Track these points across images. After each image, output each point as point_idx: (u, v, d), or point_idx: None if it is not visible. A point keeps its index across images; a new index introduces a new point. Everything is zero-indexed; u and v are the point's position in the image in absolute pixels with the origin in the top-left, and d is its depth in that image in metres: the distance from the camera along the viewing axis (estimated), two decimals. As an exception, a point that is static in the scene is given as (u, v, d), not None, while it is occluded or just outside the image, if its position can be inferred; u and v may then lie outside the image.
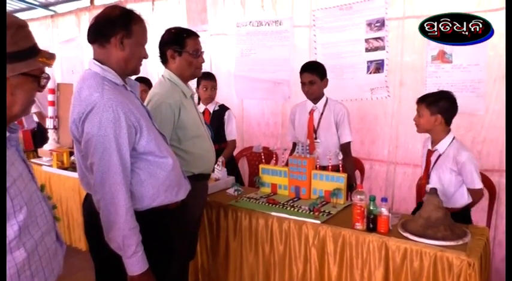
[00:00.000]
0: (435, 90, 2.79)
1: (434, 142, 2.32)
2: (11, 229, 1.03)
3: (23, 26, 1.08)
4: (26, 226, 1.07)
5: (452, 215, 2.15)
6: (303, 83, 2.83)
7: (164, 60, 2.13)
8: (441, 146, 2.28)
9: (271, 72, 3.88)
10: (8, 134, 1.07)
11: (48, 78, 1.15)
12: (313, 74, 2.78)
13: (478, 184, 2.23)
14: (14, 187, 1.03)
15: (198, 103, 3.41)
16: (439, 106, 2.22)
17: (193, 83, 3.44)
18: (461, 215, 2.24)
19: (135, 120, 1.48)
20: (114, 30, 1.51)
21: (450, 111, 2.25)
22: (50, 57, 1.15)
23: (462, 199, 2.28)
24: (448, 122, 2.26)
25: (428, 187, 2.19)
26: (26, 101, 1.10)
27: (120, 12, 1.54)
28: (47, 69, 1.21)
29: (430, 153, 2.34)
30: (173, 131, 2.01)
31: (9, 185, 1.02)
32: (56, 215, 1.30)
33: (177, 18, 4.27)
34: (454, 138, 2.28)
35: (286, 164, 2.67)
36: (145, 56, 1.64)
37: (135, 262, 1.45)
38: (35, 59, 1.08)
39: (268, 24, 3.83)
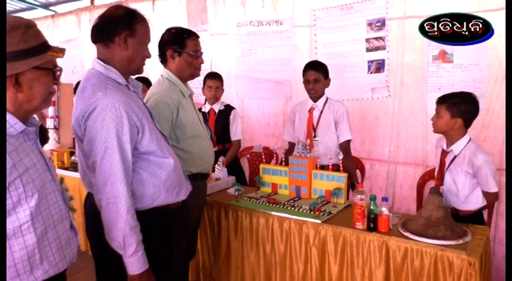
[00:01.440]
0: (436, 90, 2.79)
1: (449, 143, 2.25)
2: (23, 213, 1.13)
3: (31, 25, 1.19)
4: (38, 212, 1.16)
5: (465, 218, 2.15)
6: (307, 81, 2.83)
7: (164, 60, 2.13)
8: (457, 148, 2.20)
9: (272, 72, 3.88)
10: (24, 127, 1.17)
11: (61, 70, 1.26)
12: (319, 72, 2.79)
13: (494, 187, 2.15)
14: (26, 174, 1.13)
15: (204, 103, 3.41)
16: (461, 109, 2.14)
17: (197, 83, 3.45)
18: (475, 218, 2.20)
19: (137, 120, 1.48)
20: (117, 30, 1.52)
21: (471, 115, 2.17)
22: (60, 51, 1.25)
23: (477, 202, 2.21)
24: (467, 125, 2.19)
25: (442, 188, 2.17)
26: (45, 93, 1.21)
27: (123, 12, 1.55)
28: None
29: (445, 154, 2.27)
30: (171, 131, 2.01)
31: (22, 173, 1.11)
32: (72, 206, 1.38)
33: (178, 18, 4.28)
34: (470, 139, 2.21)
35: (281, 163, 2.67)
36: (149, 56, 1.65)
37: (136, 261, 1.46)
38: (46, 53, 1.19)
39: (269, 24, 3.83)
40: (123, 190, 1.43)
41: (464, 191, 2.20)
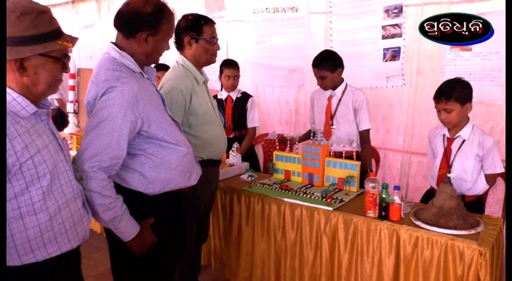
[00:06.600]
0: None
1: (453, 130, 2.28)
2: (35, 193, 1.17)
3: (44, 11, 1.19)
4: (51, 191, 1.21)
5: (470, 204, 2.16)
6: (315, 77, 2.81)
7: (180, 46, 2.14)
8: (464, 133, 2.25)
9: (286, 59, 3.86)
10: (36, 109, 1.20)
11: (68, 59, 1.26)
12: (322, 69, 2.73)
13: (500, 168, 2.24)
14: (38, 155, 1.16)
15: (220, 89, 3.44)
16: (466, 94, 2.19)
17: (212, 69, 3.46)
18: (476, 205, 2.24)
19: (143, 111, 1.49)
20: (141, 28, 1.53)
21: (471, 95, 2.22)
22: (71, 40, 1.25)
23: (482, 185, 2.28)
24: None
25: (451, 175, 2.17)
26: (50, 80, 1.22)
27: (151, 11, 1.53)
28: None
29: (450, 141, 2.30)
30: (184, 117, 2.04)
31: (33, 154, 1.15)
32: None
33: (195, 4, 4.26)
34: (473, 125, 2.27)
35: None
36: (167, 48, 1.66)
37: (119, 234, 1.51)
38: (54, 42, 1.19)
39: (285, 11, 3.80)
40: (98, 169, 1.43)
41: (474, 175, 2.25)
